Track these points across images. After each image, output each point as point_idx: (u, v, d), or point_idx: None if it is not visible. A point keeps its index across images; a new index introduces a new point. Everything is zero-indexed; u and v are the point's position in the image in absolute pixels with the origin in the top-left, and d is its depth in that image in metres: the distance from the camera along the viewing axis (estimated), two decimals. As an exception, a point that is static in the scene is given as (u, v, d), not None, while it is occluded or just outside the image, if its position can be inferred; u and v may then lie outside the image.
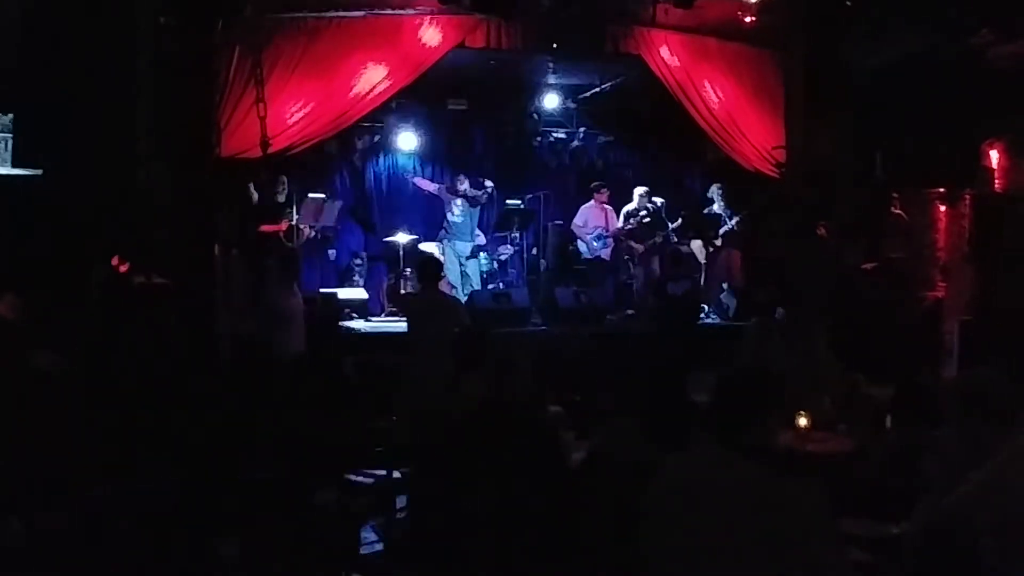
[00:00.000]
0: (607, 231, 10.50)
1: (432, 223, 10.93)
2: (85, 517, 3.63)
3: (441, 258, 9.69)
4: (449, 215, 10.48)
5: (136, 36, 6.97)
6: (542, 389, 5.40)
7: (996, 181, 8.67)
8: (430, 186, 10.97)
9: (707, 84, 9.30)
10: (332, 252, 10.50)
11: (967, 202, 8.82)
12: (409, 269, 9.69)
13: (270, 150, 7.71)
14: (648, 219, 10.38)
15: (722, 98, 9.33)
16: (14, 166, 6.59)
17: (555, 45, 8.86)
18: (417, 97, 10.50)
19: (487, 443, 3.50)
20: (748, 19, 8.48)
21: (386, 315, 9.69)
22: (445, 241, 10.46)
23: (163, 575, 3.62)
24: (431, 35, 8.38)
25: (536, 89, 10.99)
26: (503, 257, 10.73)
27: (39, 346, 4.77)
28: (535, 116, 11.56)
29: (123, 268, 6.08)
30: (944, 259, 9.04)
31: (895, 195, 9.15)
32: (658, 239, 10.39)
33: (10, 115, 6.64)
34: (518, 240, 10.82)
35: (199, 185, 7.27)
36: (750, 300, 9.01)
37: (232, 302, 7.75)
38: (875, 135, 8.76)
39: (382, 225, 11.03)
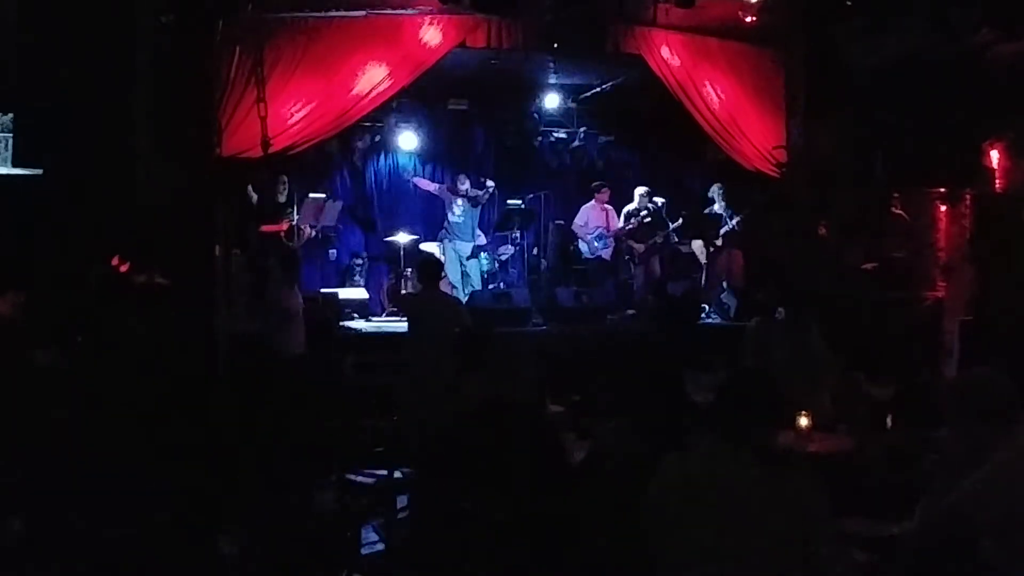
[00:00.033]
0: (608, 231, 10.50)
1: (433, 223, 10.94)
2: (85, 517, 3.63)
3: (442, 258, 9.70)
4: (450, 215, 10.48)
5: (136, 36, 6.97)
6: (542, 389, 5.40)
7: (997, 181, 8.66)
8: (430, 186, 10.97)
9: (708, 84, 9.29)
10: (333, 252, 10.51)
11: (967, 202, 8.81)
12: (410, 269, 9.69)
13: (271, 150, 7.70)
14: (649, 219, 10.38)
15: (723, 98, 9.32)
16: (14, 166, 6.60)
17: (556, 45, 8.85)
18: (418, 97, 10.51)
19: (488, 443, 3.49)
20: (749, 19, 8.48)
21: (386, 315, 9.70)
22: (446, 241, 10.46)
23: (163, 575, 3.62)
24: (432, 35, 8.37)
25: (537, 89, 10.99)
26: (504, 257, 10.73)
27: (39, 345, 4.78)
28: (536, 116, 11.56)
29: (123, 268, 6.08)
30: (944, 259, 9.03)
31: (895, 195, 9.14)
32: (659, 239, 10.38)
33: (10, 115, 6.65)
34: (519, 240, 10.83)
35: (199, 185, 7.27)
36: (750, 300, 9.02)
37: (232, 302, 7.76)
38: (875, 135, 8.75)
39: (383, 225, 11.04)
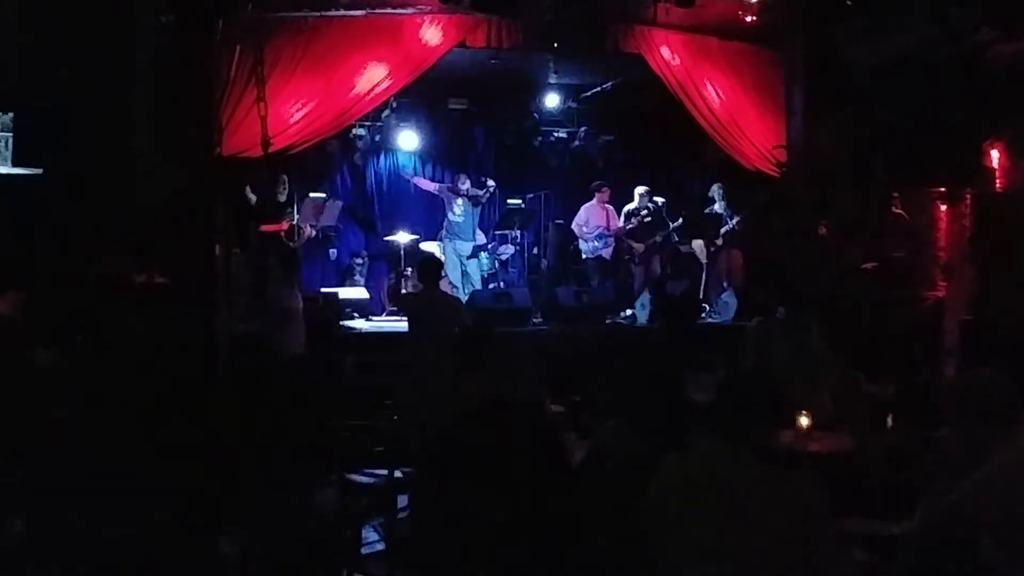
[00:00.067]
0: (608, 231, 10.49)
1: (433, 222, 10.94)
2: (85, 517, 3.63)
3: (442, 258, 9.70)
4: (450, 214, 10.48)
5: (136, 35, 6.97)
6: (542, 389, 5.40)
7: (997, 181, 8.67)
8: (430, 185, 10.97)
9: (708, 83, 9.29)
10: (333, 252, 10.51)
11: (968, 201, 8.82)
12: (410, 269, 9.69)
13: (271, 149, 7.70)
14: (649, 219, 10.38)
15: (723, 97, 9.33)
16: (14, 165, 6.59)
17: (556, 45, 8.85)
18: (418, 96, 10.51)
19: (488, 443, 3.49)
20: (749, 18, 8.48)
21: (387, 315, 9.71)
22: (446, 240, 10.46)
23: (163, 575, 3.62)
24: (432, 34, 8.37)
25: (537, 88, 11.00)
26: (504, 257, 10.73)
27: (39, 344, 4.78)
28: (536, 115, 11.57)
29: (123, 268, 6.08)
30: (945, 259, 9.04)
31: (895, 195, 9.15)
32: (659, 239, 10.38)
33: (10, 114, 6.65)
34: (519, 239, 10.83)
35: (199, 185, 7.27)
36: (751, 300, 9.02)
37: (232, 302, 7.75)
38: (875, 135, 8.76)
39: (383, 225, 11.04)
